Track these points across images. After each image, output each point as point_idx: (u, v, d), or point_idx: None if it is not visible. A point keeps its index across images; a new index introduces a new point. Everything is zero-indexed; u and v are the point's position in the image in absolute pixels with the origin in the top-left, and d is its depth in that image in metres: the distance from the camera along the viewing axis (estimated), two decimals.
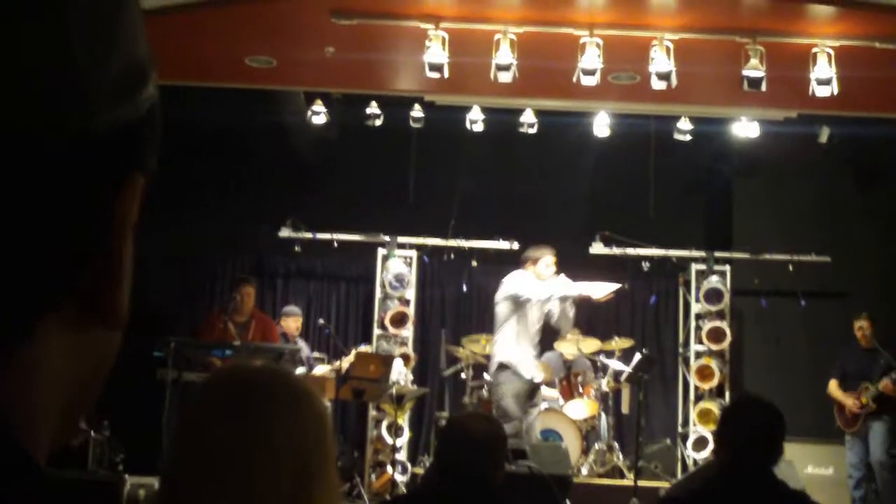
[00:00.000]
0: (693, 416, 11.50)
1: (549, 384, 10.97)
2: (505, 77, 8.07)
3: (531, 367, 9.12)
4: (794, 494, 3.85)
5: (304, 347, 10.95)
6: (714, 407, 11.17)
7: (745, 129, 10.93)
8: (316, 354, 11.31)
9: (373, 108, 11.27)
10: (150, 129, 0.77)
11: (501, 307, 9.17)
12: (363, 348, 10.75)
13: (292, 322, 10.98)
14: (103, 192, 0.72)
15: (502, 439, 3.89)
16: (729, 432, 3.90)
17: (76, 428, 0.87)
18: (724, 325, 11.61)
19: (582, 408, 10.51)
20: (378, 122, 11.32)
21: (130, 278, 0.77)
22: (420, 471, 10.54)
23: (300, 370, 10.35)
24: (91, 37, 0.70)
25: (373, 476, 10.96)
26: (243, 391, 1.72)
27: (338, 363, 10.29)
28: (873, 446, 10.10)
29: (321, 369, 10.69)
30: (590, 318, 12.52)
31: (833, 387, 10.39)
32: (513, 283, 9.09)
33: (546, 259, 9.16)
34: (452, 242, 11.70)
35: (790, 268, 11.59)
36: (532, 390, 9.16)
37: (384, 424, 11.07)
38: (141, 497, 8.06)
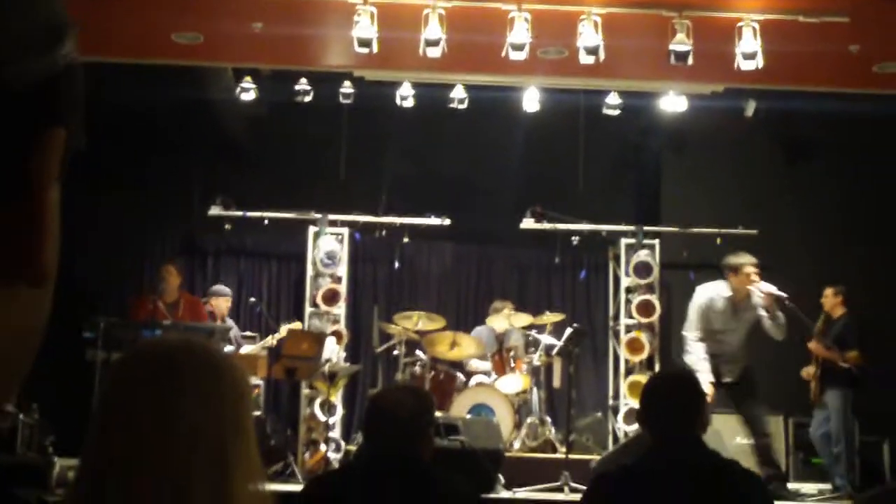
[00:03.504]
0: (624, 388, 11.61)
1: (482, 359, 11.02)
2: (434, 52, 8.06)
3: None
4: (726, 463, 3.89)
5: (233, 327, 10.90)
6: (644, 379, 11.25)
7: (673, 103, 11.00)
8: (248, 333, 11.26)
9: (302, 85, 11.19)
10: (69, 86, 0.76)
11: (751, 328, 9.52)
12: (293, 325, 10.70)
13: (223, 302, 10.96)
14: (19, 142, 0.70)
15: (429, 413, 3.89)
16: (650, 411, 3.94)
17: (7, 396, 0.85)
18: (653, 298, 11.72)
19: (514, 382, 10.55)
20: (308, 99, 11.24)
21: (57, 235, 0.75)
22: (353, 448, 10.53)
23: (228, 349, 10.30)
24: None
25: (306, 454, 10.93)
26: (157, 367, 1.71)
27: (268, 339, 10.28)
28: (831, 422, 10.30)
29: (249, 348, 10.65)
30: (521, 292, 12.60)
31: None
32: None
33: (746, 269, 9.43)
34: (384, 219, 11.68)
35: (718, 241, 11.71)
36: None
37: (317, 402, 11.03)
38: (70, 479, 7.97)
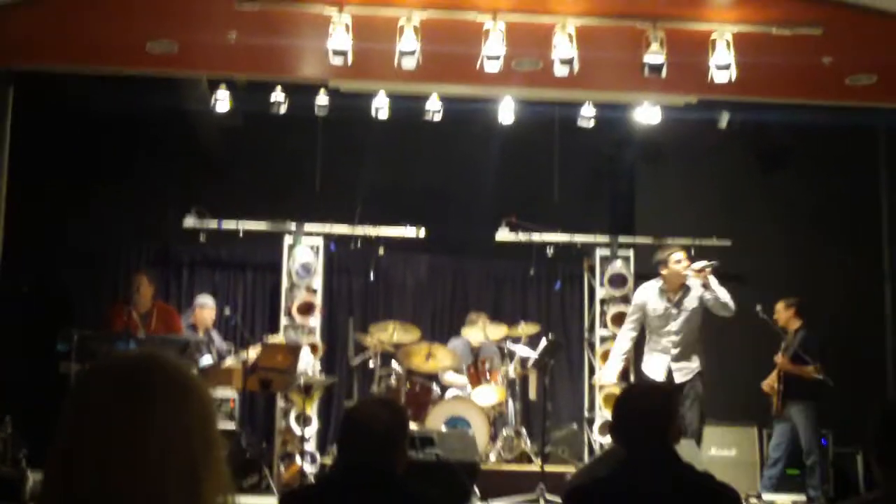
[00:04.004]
0: (599, 400, 11.62)
1: (457, 371, 11.01)
2: (409, 63, 8.05)
3: None
4: (700, 477, 3.89)
5: (217, 339, 10.86)
6: (619, 391, 11.27)
7: (647, 114, 11.04)
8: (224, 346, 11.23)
9: (277, 95, 11.17)
10: None
11: (699, 315, 9.59)
12: (275, 339, 10.69)
13: (207, 313, 10.94)
14: None
15: (403, 426, 3.88)
16: (622, 422, 3.93)
17: None
18: (628, 309, 11.72)
19: (490, 394, 10.54)
20: (283, 109, 11.22)
21: None
22: (329, 461, 10.50)
23: (206, 359, 10.26)
24: None
25: (281, 467, 10.89)
26: (127, 383, 1.69)
27: (244, 354, 10.24)
28: (800, 435, 10.34)
29: (232, 360, 10.62)
30: (496, 303, 12.59)
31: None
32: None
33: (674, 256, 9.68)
34: (359, 230, 11.66)
35: (692, 252, 11.75)
36: None
37: (292, 415, 11.00)
38: None
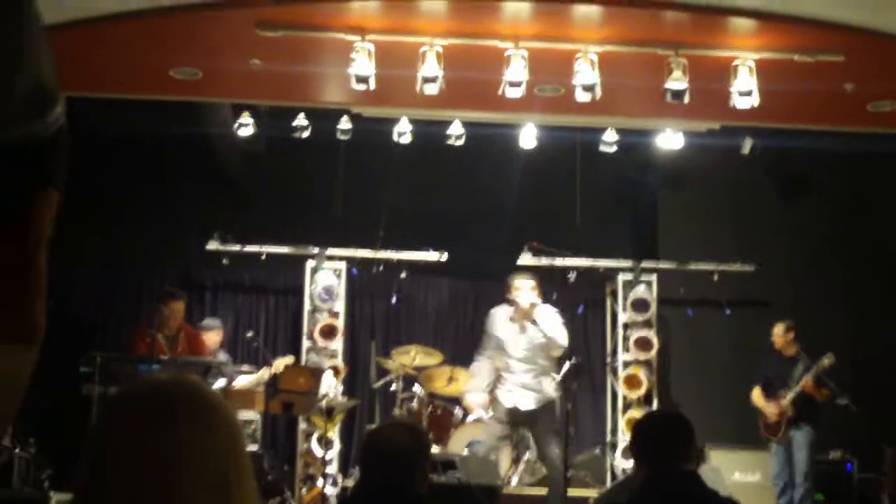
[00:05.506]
0: (622, 424, 11.59)
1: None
2: (431, 89, 8.08)
3: None
4: (722, 501, 3.88)
5: (226, 360, 10.88)
6: (640, 415, 11.26)
7: (670, 140, 11.05)
8: (245, 367, 11.24)
9: (300, 120, 11.24)
10: (59, 147, 0.77)
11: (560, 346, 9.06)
12: (284, 359, 10.69)
13: (213, 335, 10.93)
14: (14, 205, 0.71)
15: (425, 449, 3.90)
16: (641, 448, 3.94)
17: None
18: (650, 334, 11.72)
19: None
20: (306, 134, 11.29)
21: (46, 294, 0.76)
22: (351, 483, 10.50)
23: (220, 382, 10.28)
24: None
25: (303, 490, 10.90)
26: (154, 410, 1.70)
27: (262, 373, 10.30)
28: (797, 458, 10.26)
29: (243, 380, 10.63)
30: None
31: (756, 394, 10.60)
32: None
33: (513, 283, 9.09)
34: (381, 254, 11.70)
35: (715, 277, 11.74)
36: None
37: (314, 437, 11.02)
38: None
